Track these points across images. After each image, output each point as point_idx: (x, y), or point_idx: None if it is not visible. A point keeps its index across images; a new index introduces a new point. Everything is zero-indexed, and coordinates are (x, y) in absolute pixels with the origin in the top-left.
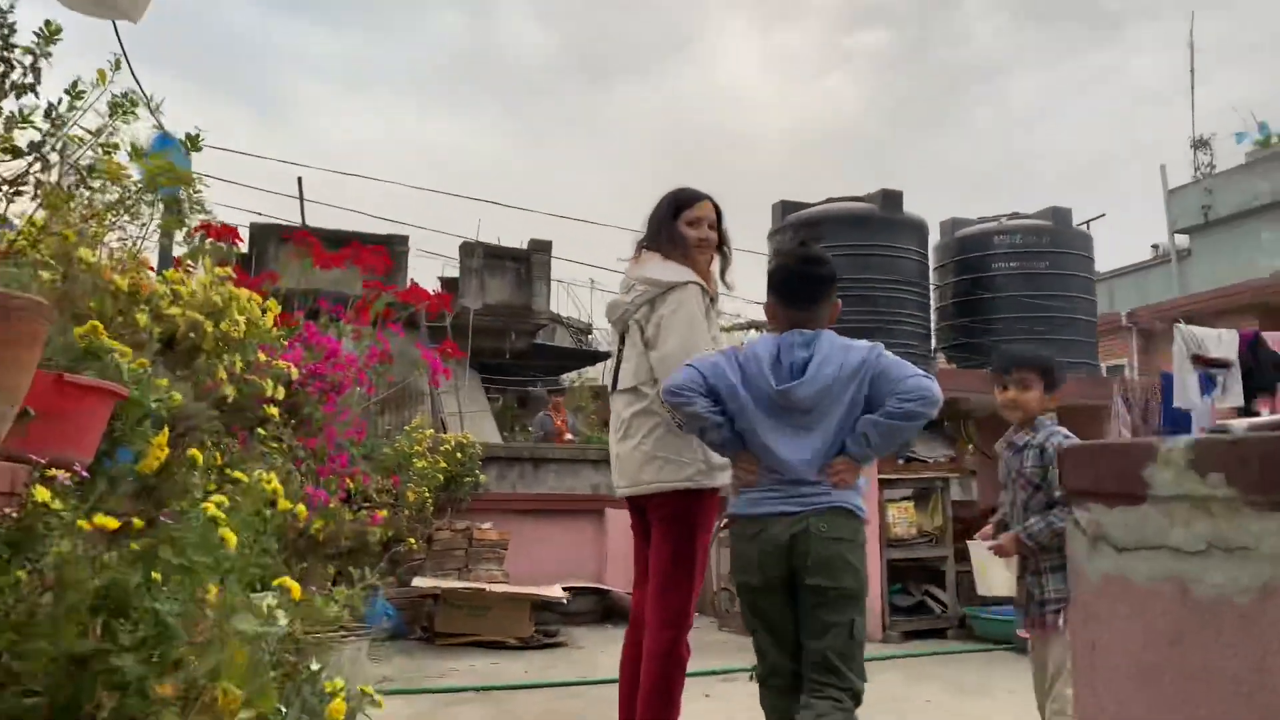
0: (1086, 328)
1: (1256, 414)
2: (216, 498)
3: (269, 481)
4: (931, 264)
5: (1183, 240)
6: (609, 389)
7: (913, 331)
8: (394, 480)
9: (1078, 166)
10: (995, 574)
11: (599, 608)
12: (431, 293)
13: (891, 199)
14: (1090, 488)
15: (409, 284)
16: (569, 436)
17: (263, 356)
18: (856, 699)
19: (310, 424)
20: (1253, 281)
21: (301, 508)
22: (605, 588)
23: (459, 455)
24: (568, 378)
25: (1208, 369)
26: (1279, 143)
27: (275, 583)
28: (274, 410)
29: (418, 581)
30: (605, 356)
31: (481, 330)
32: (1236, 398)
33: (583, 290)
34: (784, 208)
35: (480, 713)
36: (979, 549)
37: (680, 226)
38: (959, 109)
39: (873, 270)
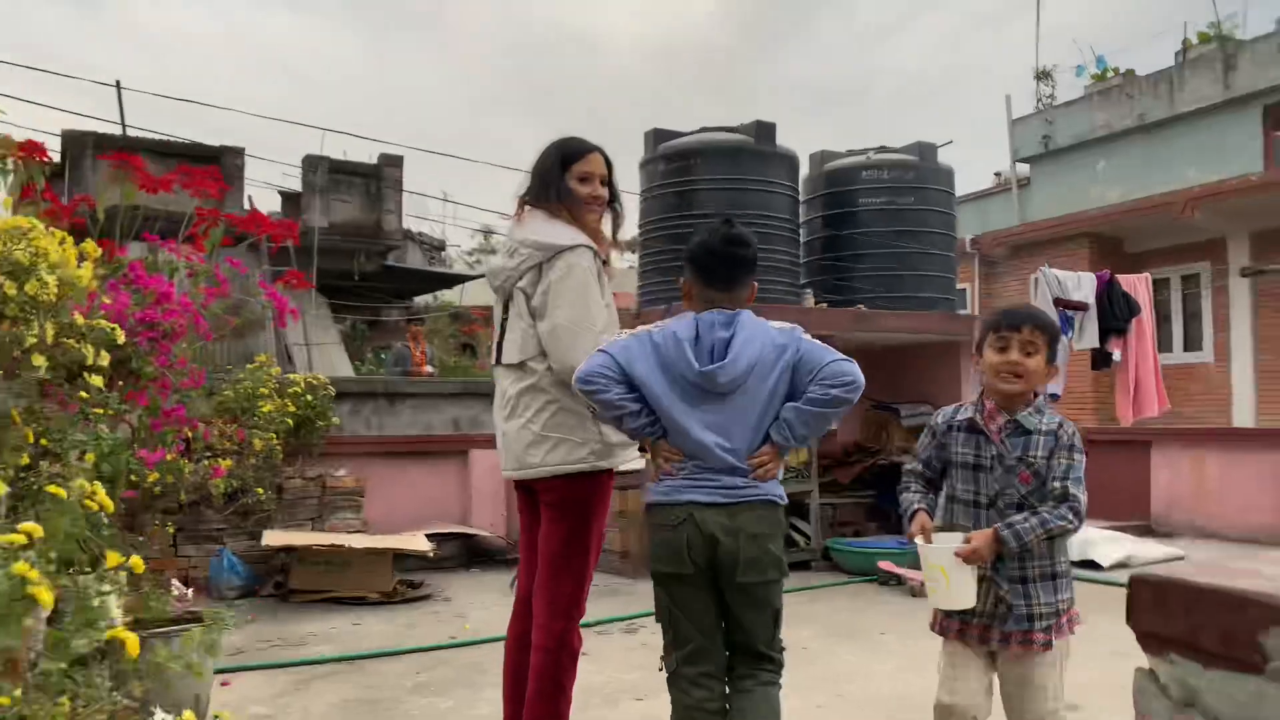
0: (947, 263)
1: (1109, 354)
2: (25, 526)
3: (91, 494)
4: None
5: (1024, 169)
6: (492, 361)
7: (785, 268)
8: (239, 434)
9: (925, 90)
10: (963, 583)
11: (464, 551)
12: (273, 219)
13: (765, 131)
14: (1179, 637)
15: (247, 203)
16: (428, 369)
17: (79, 320)
18: (781, 670)
19: (140, 379)
20: (1087, 211)
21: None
22: (471, 531)
23: (309, 398)
24: (422, 300)
25: (1067, 311)
26: (1114, 76)
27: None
28: (98, 379)
29: (269, 537)
30: (461, 279)
31: (328, 251)
32: (1092, 339)
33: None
34: (656, 136)
35: (345, 689)
36: (938, 553)
37: (569, 182)
38: (809, 24)
39: (746, 205)
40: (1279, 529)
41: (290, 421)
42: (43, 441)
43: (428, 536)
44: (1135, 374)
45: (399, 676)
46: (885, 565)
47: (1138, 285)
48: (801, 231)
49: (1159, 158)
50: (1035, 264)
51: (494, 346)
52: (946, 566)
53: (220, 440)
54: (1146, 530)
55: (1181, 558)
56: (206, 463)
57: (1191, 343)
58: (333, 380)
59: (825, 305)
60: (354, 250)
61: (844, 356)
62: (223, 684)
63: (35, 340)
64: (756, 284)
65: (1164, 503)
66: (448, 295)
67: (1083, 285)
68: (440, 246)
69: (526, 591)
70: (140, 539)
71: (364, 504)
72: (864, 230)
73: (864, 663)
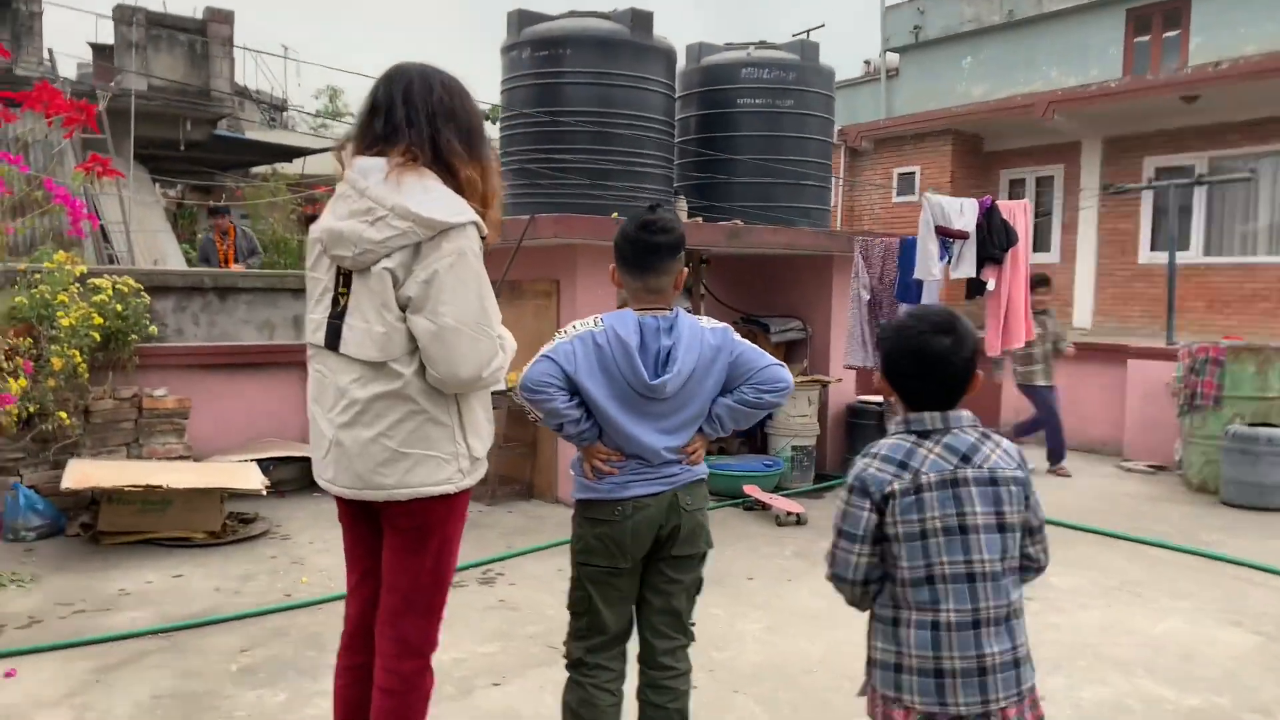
0: (823, 171)
1: (983, 284)
2: None
3: None
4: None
5: (893, 59)
6: (318, 343)
7: (657, 175)
8: (29, 346)
9: None
10: None
11: (303, 475)
12: (73, 99)
13: (641, 20)
14: None
15: (46, 58)
16: (236, 266)
17: None
18: (692, 641)
19: None
20: (951, 108)
21: None
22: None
23: (119, 307)
24: (259, 171)
25: (947, 239)
26: None
27: None
28: None
29: (71, 474)
30: (303, 152)
31: (149, 116)
32: (970, 268)
33: (275, 60)
34: (520, 18)
35: (159, 677)
36: None
37: (490, 146)
38: None
39: (619, 104)
40: (1115, 440)
41: (97, 335)
42: None
43: (263, 461)
44: (1007, 305)
45: (224, 657)
46: (750, 490)
47: (1016, 213)
48: (675, 128)
49: (1023, 56)
50: (899, 159)
51: (323, 325)
52: None
53: (9, 359)
54: None
55: (1031, 469)
56: None
57: (1040, 243)
58: (154, 274)
59: (700, 218)
60: (179, 117)
61: (776, 361)
62: (7, 674)
63: None
64: (686, 270)
65: (1014, 414)
66: (289, 169)
67: (965, 213)
68: (281, 107)
69: (361, 621)
70: None
71: (187, 425)
72: (741, 133)
73: (732, 621)
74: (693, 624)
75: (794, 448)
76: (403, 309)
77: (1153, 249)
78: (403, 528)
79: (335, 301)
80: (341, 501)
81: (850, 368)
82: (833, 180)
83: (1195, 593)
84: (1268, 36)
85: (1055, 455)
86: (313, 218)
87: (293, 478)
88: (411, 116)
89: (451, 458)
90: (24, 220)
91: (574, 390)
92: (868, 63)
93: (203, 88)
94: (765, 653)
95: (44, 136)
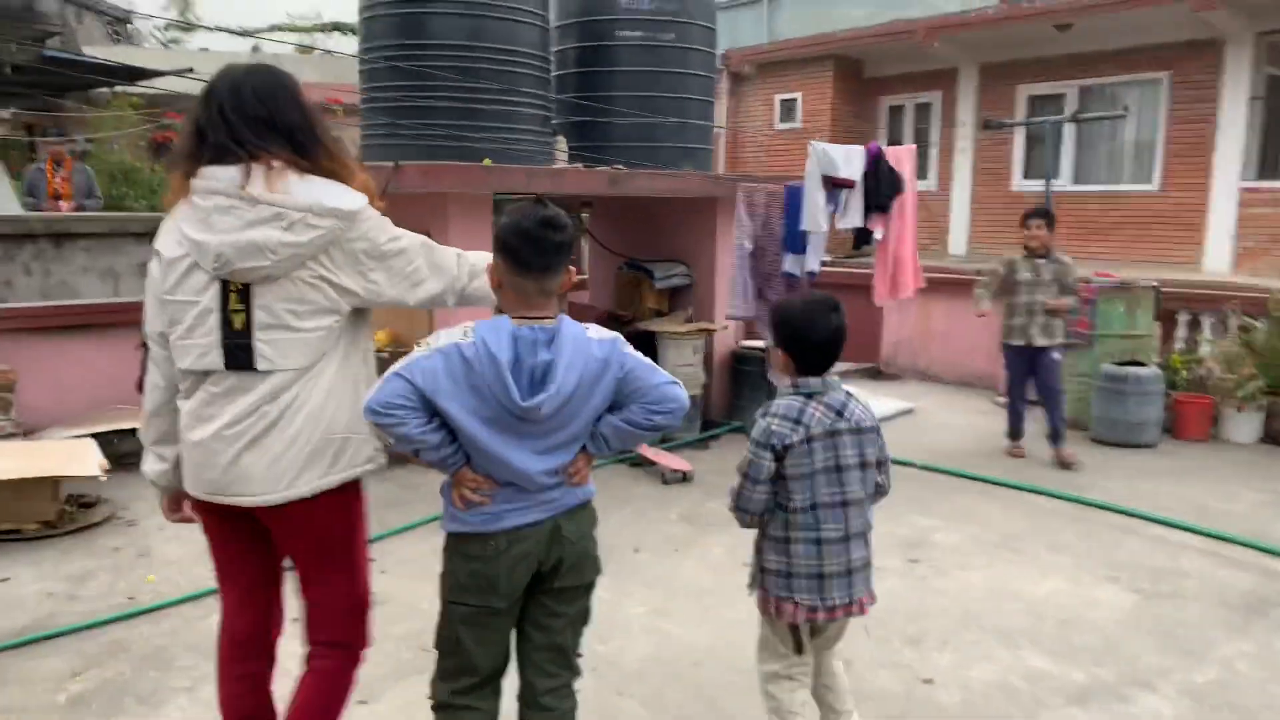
0: (705, 109)
1: (869, 232)
2: None
3: None
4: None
5: None
6: (214, 367)
7: (532, 115)
8: None
9: None
10: None
11: None
12: None
13: None
14: None
15: None
16: (66, 205)
17: None
18: (578, 676)
19: None
20: (834, 33)
21: None
22: None
23: None
24: (101, 93)
25: (835, 190)
26: None
27: None
28: None
29: None
30: (151, 74)
31: None
32: (857, 218)
33: None
34: None
35: None
36: None
37: (327, 132)
38: None
39: (489, 37)
40: (990, 374)
41: None
42: None
43: (106, 435)
44: (894, 253)
45: (51, 684)
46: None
47: (902, 158)
48: (551, 64)
49: None
50: (782, 84)
51: (215, 349)
52: None
53: None
54: (876, 372)
55: (911, 410)
56: None
57: (919, 172)
58: None
59: (580, 165)
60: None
61: (670, 378)
62: None
63: None
64: (574, 270)
65: (891, 346)
66: (136, 91)
67: (852, 161)
68: (125, 19)
69: (254, 630)
70: None
71: (14, 400)
72: (620, 68)
73: (618, 603)
74: (579, 655)
75: None
76: (341, 295)
77: (1025, 177)
78: (316, 521)
79: (227, 321)
80: (212, 514)
81: (732, 318)
82: (715, 117)
83: (1074, 545)
84: None
85: (1015, 432)
86: (163, 145)
87: (137, 449)
88: (236, 135)
89: (371, 434)
90: None
91: (433, 411)
92: None
93: (24, 4)
94: (652, 643)
95: None
